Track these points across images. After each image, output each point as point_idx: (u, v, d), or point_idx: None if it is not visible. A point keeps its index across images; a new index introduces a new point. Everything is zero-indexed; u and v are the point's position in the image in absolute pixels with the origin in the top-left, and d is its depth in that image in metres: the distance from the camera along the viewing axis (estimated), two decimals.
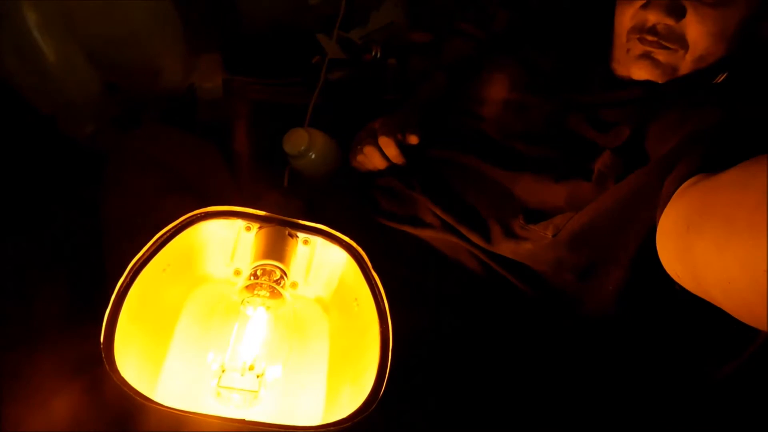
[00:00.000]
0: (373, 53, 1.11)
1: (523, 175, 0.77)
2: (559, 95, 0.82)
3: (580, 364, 0.73)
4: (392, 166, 0.88)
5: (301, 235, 0.70)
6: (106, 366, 0.55)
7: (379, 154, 0.86)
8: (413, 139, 0.85)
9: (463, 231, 0.76)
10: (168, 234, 0.65)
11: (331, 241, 0.69)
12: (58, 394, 0.63)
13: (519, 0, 1.01)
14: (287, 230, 0.69)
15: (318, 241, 0.71)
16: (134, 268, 0.61)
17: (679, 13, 0.67)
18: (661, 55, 0.71)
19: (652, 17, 0.69)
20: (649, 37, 0.70)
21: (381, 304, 0.64)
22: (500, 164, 0.80)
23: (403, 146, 0.86)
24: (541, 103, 0.83)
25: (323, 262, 0.73)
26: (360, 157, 0.90)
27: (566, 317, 0.74)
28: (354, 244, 0.68)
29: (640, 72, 0.74)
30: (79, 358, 0.62)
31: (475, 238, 0.76)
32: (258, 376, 0.63)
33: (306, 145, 0.94)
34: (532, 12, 0.97)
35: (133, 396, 0.55)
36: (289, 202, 0.92)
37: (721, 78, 0.73)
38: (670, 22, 0.68)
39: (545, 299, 0.74)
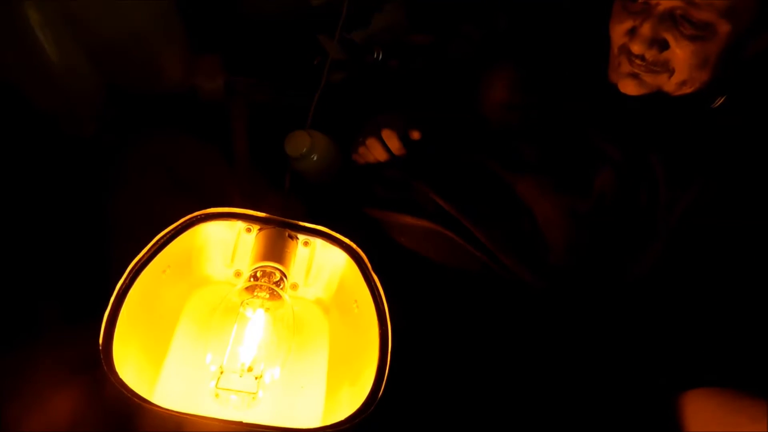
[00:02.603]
0: (375, 55, 1.10)
1: (524, 177, 0.78)
2: (558, 100, 0.82)
3: (580, 363, 0.74)
4: (393, 159, 0.88)
5: (302, 237, 0.70)
6: (105, 367, 0.56)
7: (381, 146, 0.87)
8: (415, 134, 0.85)
9: (464, 222, 0.77)
10: (168, 235, 0.65)
11: (331, 243, 0.69)
12: (57, 395, 0.63)
13: (520, 3, 1.01)
14: (287, 232, 0.69)
15: (318, 242, 0.71)
16: (134, 269, 0.62)
17: (660, 46, 0.69)
18: (647, 78, 0.73)
19: (636, 49, 0.71)
20: (638, 62, 0.72)
21: (380, 305, 0.64)
22: (502, 164, 0.80)
23: (405, 140, 0.86)
24: (540, 106, 0.83)
25: (323, 264, 0.73)
26: (361, 149, 0.90)
27: (563, 309, 0.76)
28: (354, 246, 0.68)
29: (627, 88, 0.76)
30: (79, 358, 0.62)
31: (476, 232, 0.76)
32: (256, 378, 0.62)
33: (308, 148, 0.94)
34: (532, 15, 0.98)
35: (130, 397, 0.55)
36: (290, 203, 0.92)
37: (719, 102, 0.75)
38: (652, 53, 0.70)
39: (541, 291, 0.76)
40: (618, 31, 0.73)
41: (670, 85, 0.73)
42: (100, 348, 0.56)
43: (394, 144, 0.86)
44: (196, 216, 0.67)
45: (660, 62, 0.71)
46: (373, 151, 0.88)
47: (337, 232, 0.69)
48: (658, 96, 0.75)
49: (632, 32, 0.71)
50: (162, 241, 0.64)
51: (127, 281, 0.61)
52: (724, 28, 0.66)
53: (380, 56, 1.11)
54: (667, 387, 0.69)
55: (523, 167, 0.79)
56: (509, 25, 1.00)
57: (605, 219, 0.75)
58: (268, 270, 0.67)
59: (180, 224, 0.66)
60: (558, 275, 0.76)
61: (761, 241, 0.71)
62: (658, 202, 0.73)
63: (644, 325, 0.73)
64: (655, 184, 0.74)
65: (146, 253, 0.63)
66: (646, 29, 0.68)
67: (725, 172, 0.73)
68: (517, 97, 0.86)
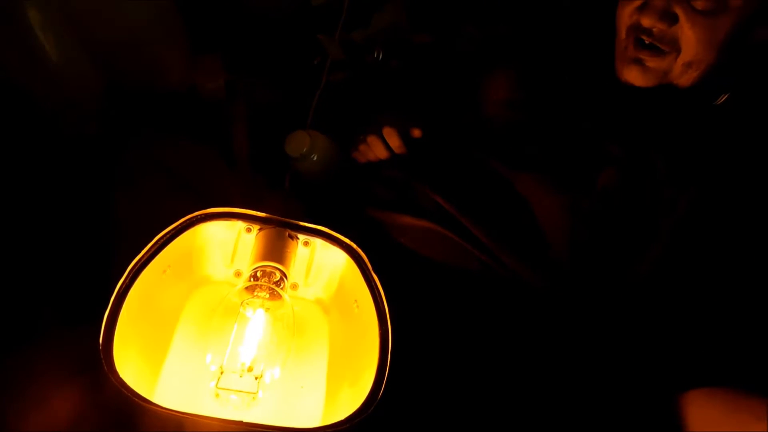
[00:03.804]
0: (375, 55, 1.10)
1: (523, 174, 0.78)
2: (561, 97, 0.82)
3: (580, 363, 0.74)
4: (393, 157, 0.88)
5: (302, 237, 0.70)
6: (105, 367, 0.55)
7: (382, 144, 0.87)
8: (416, 132, 0.86)
9: (465, 222, 0.77)
10: (168, 235, 0.65)
11: (331, 243, 0.70)
12: (58, 394, 0.63)
13: (520, 2, 1.01)
14: (287, 232, 0.69)
15: (318, 242, 0.71)
16: (134, 269, 0.62)
17: (670, 19, 0.70)
18: (652, 62, 0.74)
19: (646, 21, 0.71)
20: (646, 39, 0.72)
21: (381, 305, 0.64)
22: (502, 161, 0.80)
23: (406, 138, 0.86)
24: (542, 104, 0.83)
25: (323, 264, 0.73)
26: (362, 147, 0.90)
27: (563, 309, 0.76)
28: (354, 246, 0.69)
29: (630, 75, 0.76)
30: (80, 358, 0.62)
31: (476, 231, 0.76)
32: (256, 378, 0.63)
33: (307, 148, 0.94)
34: (533, 14, 0.98)
35: (131, 397, 0.55)
36: (290, 203, 0.92)
37: (722, 99, 0.75)
38: (662, 27, 0.71)
39: (541, 290, 0.76)
40: (628, 10, 0.74)
41: (677, 67, 0.73)
42: (101, 348, 0.56)
43: (394, 142, 0.86)
44: (196, 216, 0.67)
45: (668, 38, 0.71)
46: (374, 149, 0.88)
47: (337, 232, 0.69)
48: (661, 90, 0.75)
49: (642, 7, 0.71)
50: (162, 241, 0.64)
51: (127, 281, 0.61)
52: (735, 2, 0.66)
53: (380, 56, 1.10)
54: (667, 387, 0.69)
55: (523, 164, 0.79)
56: (510, 27, 1.00)
57: (607, 216, 0.75)
58: (268, 270, 0.67)
59: (180, 224, 0.66)
60: (558, 273, 0.76)
61: (761, 240, 0.71)
62: (660, 200, 0.74)
63: (645, 324, 0.73)
64: (657, 182, 0.74)
65: (146, 253, 0.63)
66: (657, 1, 0.69)
67: (726, 171, 0.73)
68: (520, 94, 0.86)
